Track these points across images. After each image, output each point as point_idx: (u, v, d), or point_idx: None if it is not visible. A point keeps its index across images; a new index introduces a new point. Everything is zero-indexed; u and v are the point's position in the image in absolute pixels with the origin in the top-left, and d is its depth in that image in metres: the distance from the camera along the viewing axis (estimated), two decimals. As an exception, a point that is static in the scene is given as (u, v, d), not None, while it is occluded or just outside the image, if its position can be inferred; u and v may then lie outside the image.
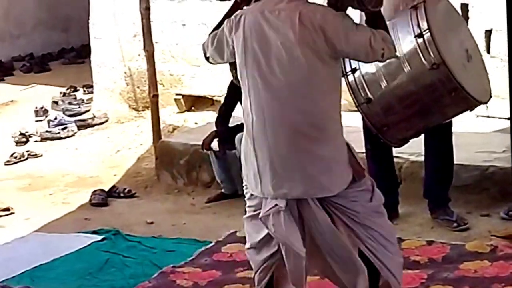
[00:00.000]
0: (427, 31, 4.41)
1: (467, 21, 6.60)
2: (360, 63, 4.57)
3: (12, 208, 6.35)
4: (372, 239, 3.58)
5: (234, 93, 5.69)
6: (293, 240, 3.52)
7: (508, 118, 5.33)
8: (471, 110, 4.77)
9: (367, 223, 3.59)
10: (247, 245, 3.74)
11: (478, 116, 6.29)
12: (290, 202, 3.51)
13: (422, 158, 5.37)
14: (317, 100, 3.48)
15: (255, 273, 3.72)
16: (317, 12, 3.43)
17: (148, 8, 6.75)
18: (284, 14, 3.44)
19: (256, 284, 3.73)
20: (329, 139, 3.55)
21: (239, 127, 5.88)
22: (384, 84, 4.57)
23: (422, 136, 5.05)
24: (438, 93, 4.51)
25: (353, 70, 4.62)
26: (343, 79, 4.63)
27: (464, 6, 6.83)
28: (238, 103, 5.74)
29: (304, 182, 3.48)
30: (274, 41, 3.45)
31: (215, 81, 7.57)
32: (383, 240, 3.61)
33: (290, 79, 3.44)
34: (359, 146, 5.36)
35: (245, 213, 3.69)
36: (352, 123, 5.63)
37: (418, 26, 4.45)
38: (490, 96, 4.77)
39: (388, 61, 4.50)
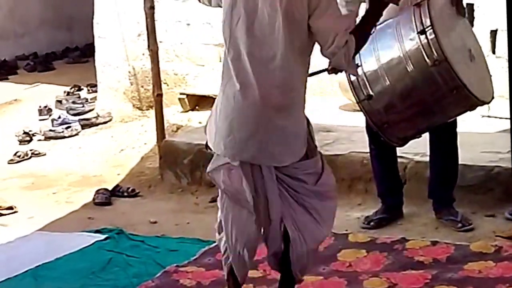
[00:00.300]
0: (430, 28, 4.39)
1: (472, 21, 6.60)
2: (362, 59, 4.57)
3: (15, 207, 6.35)
4: (300, 222, 3.72)
5: None
6: (243, 193, 3.64)
7: (509, 118, 5.32)
8: (473, 110, 4.75)
9: (304, 204, 3.71)
10: None
11: (483, 116, 6.28)
12: (244, 164, 3.61)
13: (426, 158, 5.36)
14: (289, 74, 3.57)
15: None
16: None
17: (152, 7, 6.75)
18: None
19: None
20: (293, 112, 3.64)
21: None
22: (386, 81, 4.56)
23: (427, 136, 5.04)
24: (440, 91, 4.49)
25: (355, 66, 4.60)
26: (344, 75, 4.66)
27: (470, 6, 6.81)
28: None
29: (257, 148, 3.58)
30: (261, 8, 3.51)
31: (219, 81, 7.56)
32: (312, 225, 3.75)
33: (268, 49, 3.52)
34: (366, 145, 5.36)
35: None
36: (357, 123, 5.65)
37: (421, 23, 4.43)
38: (492, 97, 4.75)
39: (390, 58, 4.54)
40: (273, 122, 3.57)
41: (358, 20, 3.76)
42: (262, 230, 3.83)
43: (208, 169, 3.76)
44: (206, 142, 3.79)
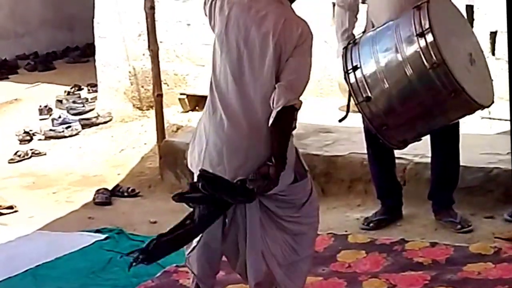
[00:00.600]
0: (429, 30, 4.39)
1: (472, 23, 6.60)
2: (362, 61, 4.57)
3: (15, 206, 6.36)
4: (282, 243, 3.72)
5: None
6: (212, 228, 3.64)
7: (509, 120, 5.32)
8: (472, 113, 4.74)
9: (285, 231, 3.72)
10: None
11: (482, 118, 6.29)
12: None
13: (426, 160, 5.37)
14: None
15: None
16: (299, 26, 3.57)
17: (152, 8, 6.75)
18: (271, 17, 3.53)
19: None
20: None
21: None
22: (385, 83, 4.54)
23: (428, 137, 5.04)
24: (438, 95, 4.47)
25: (354, 68, 4.60)
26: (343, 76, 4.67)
27: (469, 8, 6.82)
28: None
29: (246, 175, 3.55)
30: (253, 40, 3.53)
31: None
32: (290, 247, 3.74)
33: (256, 79, 3.54)
34: (363, 147, 5.37)
35: None
36: (356, 124, 5.64)
37: (420, 25, 4.42)
38: (492, 101, 4.73)
39: (389, 60, 4.54)
40: (262, 153, 3.56)
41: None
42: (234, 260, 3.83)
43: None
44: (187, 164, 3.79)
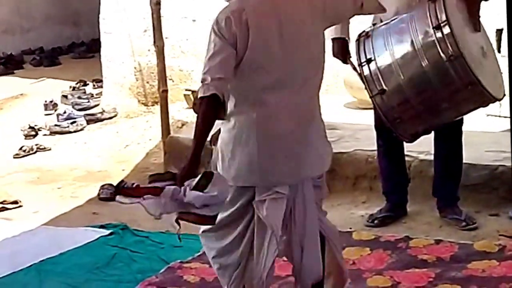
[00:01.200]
0: (445, 23, 4.38)
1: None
2: (376, 53, 4.56)
3: (20, 201, 6.36)
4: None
5: None
6: (278, 225, 3.60)
7: (509, 117, 5.32)
8: (485, 106, 4.74)
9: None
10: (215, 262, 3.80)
11: (488, 115, 6.27)
12: (293, 186, 3.62)
13: (431, 157, 5.36)
14: (316, 87, 3.67)
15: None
16: None
17: (158, 3, 6.75)
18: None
19: None
20: (320, 122, 3.77)
21: None
22: (399, 76, 4.53)
23: (432, 134, 5.03)
24: (454, 87, 4.47)
25: (368, 61, 4.59)
26: (355, 72, 4.64)
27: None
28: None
29: (319, 162, 3.72)
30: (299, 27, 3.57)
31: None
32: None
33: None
34: (370, 143, 5.36)
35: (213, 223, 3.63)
36: (362, 120, 5.65)
37: (437, 18, 4.42)
38: (504, 94, 4.74)
39: (404, 52, 4.53)
40: (318, 134, 3.72)
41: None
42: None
43: (256, 199, 3.62)
44: (211, 138, 3.74)
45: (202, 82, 3.50)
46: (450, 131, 5.04)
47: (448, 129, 4.98)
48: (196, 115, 3.57)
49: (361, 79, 4.65)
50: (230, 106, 3.60)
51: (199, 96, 3.51)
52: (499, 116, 6.25)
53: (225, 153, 3.67)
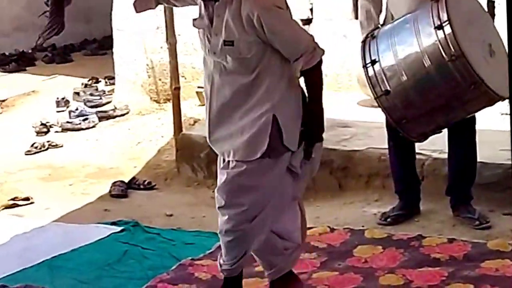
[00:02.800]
0: (447, 22, 4.37)
1: (493, 18, 6.55)
2: (380, 54, 4.55)
3: (32, 198, 6.37)
4: None
5: None
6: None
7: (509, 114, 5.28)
8: (492, 105, 4.72)
9: None
10: None
11: (502, 114, 6.24)
12: None
13: (444, 155, 5.33)
14: None
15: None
16: None
17: (171, 0, 6.73)
18: None
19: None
20: None
21: None
22: (403, 77, 4.54)
23: (446, 132, 5.01)
24: (458, 87, 4.47)
25: (373, 62, 4.59)
26: (362, 71, 4.63)
27: (491, 3, 6.77)
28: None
29: None
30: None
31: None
32: None
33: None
34: (383, 141, 5.34)
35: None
36: (375, 118, 5.62)
37: (438, 17, 4.41)
38: None
39: (408, 53, 4.51)
40: None
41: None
42: None
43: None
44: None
45: (313, 49, 3.71)
46: (464, 130, 5.01)
47: (462, 128, 4.95)
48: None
49: (367, 80, 4.66)
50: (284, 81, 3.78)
51: (315, 62, 3.73)
52: (507, 114, 6.21)
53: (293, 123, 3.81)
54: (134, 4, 4.10)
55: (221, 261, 4.03)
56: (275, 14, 3.68)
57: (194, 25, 3.88)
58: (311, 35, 3.80)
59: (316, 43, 3.76)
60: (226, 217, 3.86)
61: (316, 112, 3.79)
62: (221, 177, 3.86)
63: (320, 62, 3.75)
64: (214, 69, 3.87)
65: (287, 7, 3.80)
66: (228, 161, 3.84)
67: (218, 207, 3.88)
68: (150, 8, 4.12)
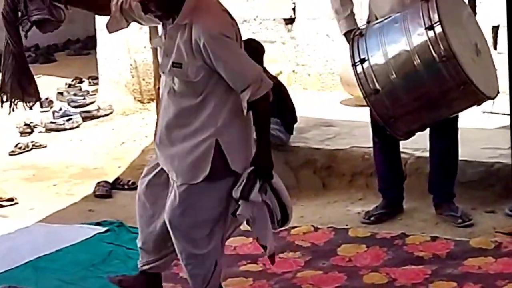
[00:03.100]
0: (438, 23, 4.39)
1: (474, 14, 6.59)
2: (370, 53, 4.57)
3: (16, 199, 6.35)
4: None
5: None
6: None
7: (509, 114, 5.32)
8: (479, 105, 4.76)
9: None
10: None
11: (484, 112, 6.28)
12: None
13: (427, 154, 5.36)
14: None
15: None
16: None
17: (154, 0, 6.72)
18: None
19: None
20: None
21: None
22: (392, 75, 4.56)
23: (427, 131, 5.04)
24: (446, 87, 4.50)
25: (362, 61, 4.60)
26: (351, 69, 4.66)
27: (472, 1, 6.81)
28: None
29: None
30: None
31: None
32: None
33: None
34: (367, 140, 5.36)
35: None
36: (358, 117, 5.65)
37: (429, 18, 4.43)
38: (498, 92, 4.76)
39: (397, 53, 4.54)
40: None
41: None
42: None
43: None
44: None
45: (260, 81, 3.68)
46: (446, 128, 5.05)
47: (444, 125, 4.98)
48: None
49: (356, 78, 4.67)
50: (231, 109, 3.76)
51: (263, 93, 3.68)
52: (491, 113, 6.25)
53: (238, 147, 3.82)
54: (106, 25, 4.14)
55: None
56: (222, 43, 3.67)
57: (151, 44, 3.93)
58: (260, 67, 3.78)
59: (264, 75, 3.73)
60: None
61: (261, 144, 3.76)
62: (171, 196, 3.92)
63: (268, 94, 3.70)
64: (164, 88, 3.90)
65: (239, 38, 3.79)
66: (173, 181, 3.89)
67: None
68: (123, 28, 4.13)
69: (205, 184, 3.78)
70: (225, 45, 3.68)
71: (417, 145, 5.48)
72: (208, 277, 3.91)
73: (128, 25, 4.11)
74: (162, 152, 3.95)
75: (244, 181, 3.71)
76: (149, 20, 3.96)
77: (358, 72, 4.62)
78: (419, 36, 4.47)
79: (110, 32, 4.11)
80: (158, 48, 3.93)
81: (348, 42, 4.82)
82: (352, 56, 4.64)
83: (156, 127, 3.99)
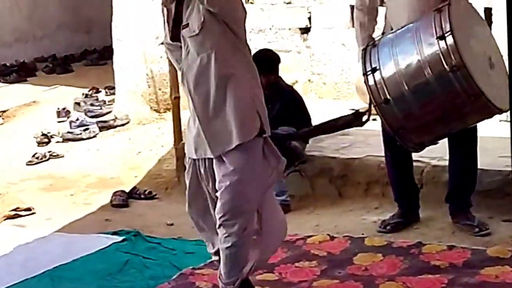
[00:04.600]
0: (449, 33, 4.37)
1: (490, 26, 6.57)
2: (381, 63, 4.56)
3: (33, 208, 6.38)
4: None
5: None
6: None
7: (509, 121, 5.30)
8: (491, 117, 4.72)
9: None
10: None
11: (500, 121, 6.26)
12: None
13: (443, 163, 5.35)
14: None
15: None
16: None
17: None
18: None
19: None
20: None
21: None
22: (403, 86, 4.54)
23: (446, 140, 5.02)
24: (458, 98, 4.46)
25: (373, 70, 4.59)
26: (363, 78, 4.66)
27: (488, 10, 6.79)
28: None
29: None
30: None
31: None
32: None
33: None
34: (382, 149, 5.36)
35: None
36: (373, 127, 5.64)
37: (441, 28, 4.41)
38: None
39: (409, 63, 4.52)
40: None
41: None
42: None
43: None
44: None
45: None
46: (465, 139, 5.01)
47: (462, 137, 4.95)
48: None
49: (366, 88, 4.66)
50: None
51: None
52: (508, 121, 6.23)
53: None
54: None
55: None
56: None
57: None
58: None
59: None
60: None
61: None
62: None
63: None
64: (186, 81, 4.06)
65: None
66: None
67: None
68: None
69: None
70: None
71: (433, 153, 5.46)
72: None
73: None
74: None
75: None
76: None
77: (369, 81, 4.61)
78: (430, 46, 4.45)
79: None
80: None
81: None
82: (364, 66, 4.64)
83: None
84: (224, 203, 3.91)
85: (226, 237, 3.95)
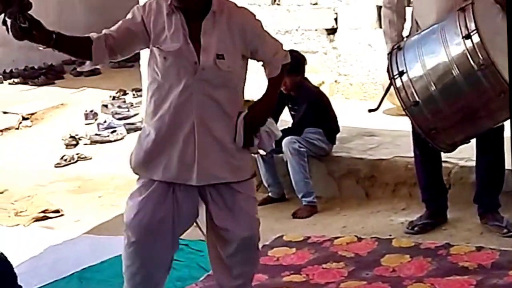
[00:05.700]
0: (475, 32, 4.36)
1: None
2: (408, 65, 4.55)
3: (61, 210, 6.42)
4: None
5: (281, 97, 5.68)
6: None
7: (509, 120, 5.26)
8: None
9: None
10: None
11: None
12: None
13: (471, 163, 5.32)
14: None
15: None
16: None
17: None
18: None
19: None
20: None
21: (286, 132, 5.87)
22: (432, 87, 4.53)
23: (473, 140, 4.99)
24: (486, 96, 4.45)
25: (401, 73, 4.59)
26: (387, 79, 4.63)
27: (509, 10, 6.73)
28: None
29: None
30: None
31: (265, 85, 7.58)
32: None
33: None
34: (410, 150, 5.34)
35: None
36: (401, 127, 5.63)
37: (466, 27, 4.40)
38: None
39: (436, 63, 4.50)
40: None
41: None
42: None
43: None
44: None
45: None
46: (491, 139, 4.98)
47: (489, 137, 4.93)
48: None
49: (395, 91, 4.65)
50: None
51: (286, 62, 3.87)
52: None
53: None
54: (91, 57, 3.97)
55: None
56: (257, 20, 3.83)
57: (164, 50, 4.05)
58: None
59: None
60: None
61: (269, 96, 4.01)
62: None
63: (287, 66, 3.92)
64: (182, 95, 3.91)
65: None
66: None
67: None
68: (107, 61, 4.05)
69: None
70: (259, 22, 3.81)
71: (461, 154, 5.43)
72: None
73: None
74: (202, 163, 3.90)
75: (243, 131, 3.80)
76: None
77: (397, 85, 4.60)
78: (456, 45, 4.44)
79: (95, 64, 4.00)
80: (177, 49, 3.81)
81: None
82: (391, 69, 4.63)
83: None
84: None
85: None
